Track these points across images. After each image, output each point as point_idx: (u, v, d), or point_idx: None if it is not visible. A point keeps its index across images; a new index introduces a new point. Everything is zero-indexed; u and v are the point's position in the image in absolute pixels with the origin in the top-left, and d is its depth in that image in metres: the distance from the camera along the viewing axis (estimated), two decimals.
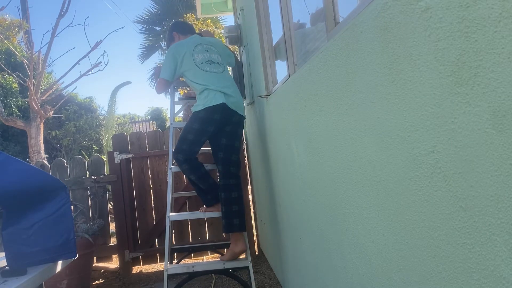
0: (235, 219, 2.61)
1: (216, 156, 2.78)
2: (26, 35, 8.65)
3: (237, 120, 2.73)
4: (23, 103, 8.98)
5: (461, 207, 0.73)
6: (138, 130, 10.45)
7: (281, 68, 2.44)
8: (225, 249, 3.89)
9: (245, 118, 2.85)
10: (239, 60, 3.91)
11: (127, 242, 3.70)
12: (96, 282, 3.65)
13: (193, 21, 8.36)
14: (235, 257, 2.67)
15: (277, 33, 2.44)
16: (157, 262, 3.89)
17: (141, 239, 3.84)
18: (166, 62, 2.78)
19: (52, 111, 7.44)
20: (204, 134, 2.64)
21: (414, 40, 0.82)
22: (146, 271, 3.85)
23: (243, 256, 2.73)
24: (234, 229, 2.61)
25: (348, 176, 1.26)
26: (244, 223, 2.67)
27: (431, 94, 0.78)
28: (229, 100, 2.63)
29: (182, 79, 2.98)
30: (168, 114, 11.49)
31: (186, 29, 3.09)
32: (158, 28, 12.20)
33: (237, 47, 4.52)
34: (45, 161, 5.40)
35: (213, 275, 3.36)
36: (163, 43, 12.00)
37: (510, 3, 0.58)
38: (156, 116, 12.96)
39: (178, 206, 3.81)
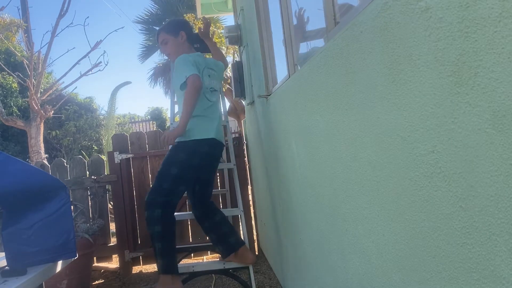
0: (231, 239, 2.56)
1: (192, 188, 2.53)
2: (26, 35, 8.65)
3: (220, 154, 2.60)
4: (23, 103, 8.98)
5: (461, 207, 0.73)
6: (138, 130, 10.45)
7: (281, 68, 2.44)
8: None
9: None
10: (239, 60, 3.91)
11: (127, 242, 3.70)
12: (96, 282, 3.65)
13: (193, 21, 8.35)
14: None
15: (277, 33, 2.44)
16: None
17: (141, 239, 3.84)
18: (186, 65, 2.31)
19: (52, 111, 7.44)
20: (191, 168, 2.33)
21: (414, 40, 0.82)
22: (146, 271, 3.85)
23: None
24: (234, 248, 2.55)
25: (348, 176, 1.26)
26: (239, 237, 2.63)
27: (431, 94, 0.78)
28: (219, 134, 2.46)
29: None
30: (168, 114, 11.51)
31: (194, 39, 2.76)
32: (158, 28, 12.20)
33: (237, 47, 4.52)
34: (45, 161, 5.40)
35: (213, 275, 3.36)
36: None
37: (510, 3, 0.58)
38: (156, 116, 12.97)
39: (178, 206, 3.80)
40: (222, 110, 2.71)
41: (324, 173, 1.52)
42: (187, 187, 2.42)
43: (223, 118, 2.76)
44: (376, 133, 1.03)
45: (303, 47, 2.01)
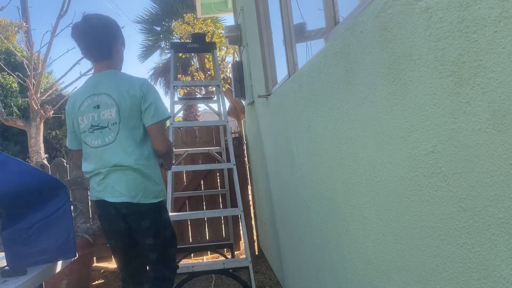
0: None
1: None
2: (26, 35, 8.65)
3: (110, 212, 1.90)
4: (23, 103, 8.99)
5: (461, 207, 0.73)
6: None
7: (281, 68, 2.44)
8: (225, 249, 3.90)
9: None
10: (239, 60, 3.91)
11: None
12: (96, 282, 3.65)
13: (193, 21, 8.35)
14: None
15: (277, 33, 2.44)
16: None
17: None
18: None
19: (52, 111, 7.44)
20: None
21: (414, 40, 0.82)
22: None
23: (243, 256, 2.73)
24: None
25: (348, 176, 1.26)
26: None
27: (431, 94, 0.78)
28: (106, 190, 1.86)
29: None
30: None
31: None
32: (158, 28, 12.20)
33: (237, 47, 4.52)
34: (45, 161, 5.40)
35: (213, 275, 3.36)
36: (163, 43, 12.01)
37: (510, 3, 0.57)
38: None
39: (178, 206, 3.80)
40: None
41: (324, 173, 1.52)
42: (118, 259, 1.97)
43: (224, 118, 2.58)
44: (376, 133, 1.03)
45: (303, 47, 2.01)
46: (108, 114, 1.78)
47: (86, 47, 1.85)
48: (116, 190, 1.78)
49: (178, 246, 2.51)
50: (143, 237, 1.87)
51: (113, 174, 1.79)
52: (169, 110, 2.05)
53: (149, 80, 1.98)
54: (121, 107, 1.77)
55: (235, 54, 8.45)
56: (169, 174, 2.89)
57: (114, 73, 1.85)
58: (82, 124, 1.83)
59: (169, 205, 2.80)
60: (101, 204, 1.85)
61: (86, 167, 1.87)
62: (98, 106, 1.79)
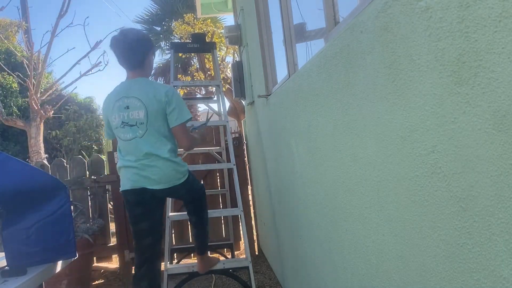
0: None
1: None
2: (26, 35, 8.65)
3: (145, 198, 2.18)
4: (23, 103, 8.99)
5: (461, 207, 0.73)
6: None
7: (281, 68, 2.44)
8: (225, 249, 3.90)
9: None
10: (239, 60, 3.91)
11: (127, 242, 3.70)
12: (96, 282, 3.65)
13: (193, 21, 8.35)
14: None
15: (277, 33, 2.44)
16: None
17: None
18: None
19: (52, 111, 7.45)
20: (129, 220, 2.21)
21: (414, 40, 0.82)
22: None
23: (243, 256, 2.73)
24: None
25: (348, 176, 1.26)
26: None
27: (431, 94, 0.78)
28: (136, 178, 2.14)
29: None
30: None
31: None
32: (158, 28, 12.20)
33: (237, 47, 4.52)
34: (45, 161, 5.40)
35: (213, 275, 3.36)
36: (163, 43, 12.00)
37: (510, 3, 0.58)
38: None
39: (178, 206, 3.80)
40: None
41: (324, 173, 1.52)
42: (146, 241, 2.18)
43: (223, 118, 2.69)
44: (376, 133, 1.03)
45: (303, 47, 2.01)
46: (136, 115, 2.09)
47: (123, 58, 2.16)
48: (153, 179, 2.09)
49: (178, 246, 2.57)
50: (181, 196, 2.38)
51: (147, 165, 2.09)
52: None
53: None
54: (148, 110, 2.08)
55: (235, 54, 8.45)
56: None
57: (144, 80, 2.17)
58: (114, 122, 2.13)
59: (169, 205, 2.80)
60: (138, 191, 2.11)
61: (120, 158, 2.18)
62: (127, 107, 2.09)
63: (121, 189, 2.16)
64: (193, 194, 2.39)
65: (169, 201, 2.83)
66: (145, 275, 2.17)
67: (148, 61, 2.23)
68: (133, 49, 2.13)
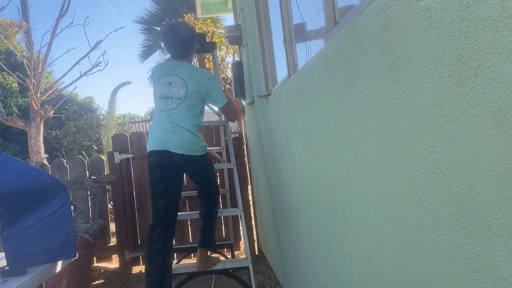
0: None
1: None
2: (26, 35, 8.65)
3: (169, 160, 2.43)
4: (23, 103, 8.99)
5: (461, 207, 0.73)
6: (138, 130, 10.45)
7: (281, 68, 2.44)
8: (225, 249, 3.90)
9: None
10: (239, 60, 3.91)
11: (127, 242, 3.70)
12: (96, 282, 3.65)
13: (193, 21, 8.35)
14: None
15: (277, 33, 2.44)
16: None
17: (141, 239, 3.84)
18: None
19: (52, 111, 7.44)
20: (150, 183, 2.43)
21: (414, 40, 0.82)
22: None
23: (243, 256, 2.73)
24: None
25: (348, 176, 1.26)
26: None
27: (431, 94, 0.78)
28: (161, 143, 2.43)
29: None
30: None
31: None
32: (158, 28, 12.18)
33: (237, 47, 4.52)
34: (45, 161, 5.40)
35: (213, 275, 3.36)
36: (163, 43, 11.99)
37: (510, 3, 0.57)
38: None
39: (179, 205, 3.80)
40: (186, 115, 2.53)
41: (324, 173, 1.52)
42: (160, 202, 2.38)
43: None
44: (376, 133, 1.03)
45: (303, 47, 2.01)
46: (176, 91, 2.44)
47: (174, 50, 2.61)
48: (175, 144, 2.37)
49: (178, 246, 2.63)
50: (197, 174, 2.58)
51: (171, 131, 2.38)
52: None
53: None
54: (188, 89, 2.44)
55: (235, 54, 8.45)
56: None
57: (190, 65, 2.64)
58: (157, 93, 2.50)
59: None
60: (165, 154, 2.36)
61: (151, 125, 2.51)
62: (170, 83, 2.47)
63: (147, 150, 2.46)
64: (208, 178, 2.60)
65: None
66: (158, 236, 2.31)
67: (194, 51, 2.71)
68: (183, 47, 2.57)
